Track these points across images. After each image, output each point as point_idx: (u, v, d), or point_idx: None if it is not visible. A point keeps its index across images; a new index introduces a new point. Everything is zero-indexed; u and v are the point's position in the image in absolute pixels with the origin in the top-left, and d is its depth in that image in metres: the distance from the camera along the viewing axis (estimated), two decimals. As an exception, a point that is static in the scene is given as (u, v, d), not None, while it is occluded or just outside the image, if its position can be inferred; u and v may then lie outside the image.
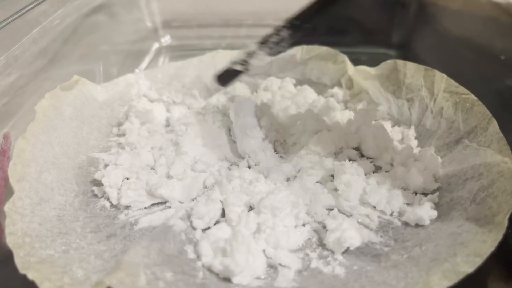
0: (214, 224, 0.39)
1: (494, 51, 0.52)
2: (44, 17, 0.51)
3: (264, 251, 0.36)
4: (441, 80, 0.47)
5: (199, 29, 0.76)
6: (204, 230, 0.38)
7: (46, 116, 0.44)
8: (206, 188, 0.44)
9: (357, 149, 0.47)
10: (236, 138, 0.48)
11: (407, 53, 0.68)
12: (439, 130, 0.45)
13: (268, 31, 0.74)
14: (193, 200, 0.42)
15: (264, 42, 0.42)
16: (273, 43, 0.41)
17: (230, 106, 0.51)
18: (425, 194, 0.41)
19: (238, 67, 0.43)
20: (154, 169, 0.44)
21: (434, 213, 0.38)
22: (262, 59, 0.42)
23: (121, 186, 0.42)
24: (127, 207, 0.41)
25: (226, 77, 0.45)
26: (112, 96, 0.55)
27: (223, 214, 0.40)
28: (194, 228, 0.38)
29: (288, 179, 0.43)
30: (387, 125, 0.49)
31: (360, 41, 0.70)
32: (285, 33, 0.41)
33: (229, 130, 0.51)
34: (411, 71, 0.50)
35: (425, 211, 0.37)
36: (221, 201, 0.40)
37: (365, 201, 0.40)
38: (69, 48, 0.56)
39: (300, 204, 0.39)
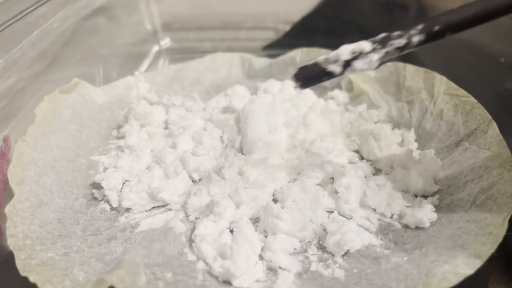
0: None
1: (493, 53, 0.52)
2: (44, 20, 0.51)
3: (264, 254, 0.36)
4: (441, 82, 0.47)
5: (198, 31, 0.76)
6: (204, 232, 0.38)
7: (46, 119, 0.44)
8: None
9: (357, 151, 0.47)
10: (243, 138, 0.48)
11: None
12: (439, 133, 0.46)
13: (267, 33, 0.74)
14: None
15: (384, 39, 0.33)
16: (395, 49, 0.33)
17: (244, 105, 0.50)
18: (425, 197, 0.41)
19: (330, 67, 0.34)
20: (151, 171, 0.44)
21: (434, 216, 0.38)
22: (369, 63, 0.33)
23: (121, 189, 0.42)
24: (127, 210, 0.41)
25: (308, 76, 0.36)
26: (112, 99, 0.55)
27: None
28: (193, 230, 0.38)
29: (288, 182, 0.43)
30: (387, 127, 0.49)
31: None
32: (415, 35, 0.32)
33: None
34: (411, 73, 0.50)
35: (425, 214, 0.37)
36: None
37: (365, 204, 0.40)
38: (68, 51, 0.56)
39: (300, 207, 0.40)
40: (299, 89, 0.33)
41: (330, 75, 0.34)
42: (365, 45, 0.33)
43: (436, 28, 0.31)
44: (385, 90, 0.52)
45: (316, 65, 0.35)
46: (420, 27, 0.32)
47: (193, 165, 0.45)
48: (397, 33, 0.32)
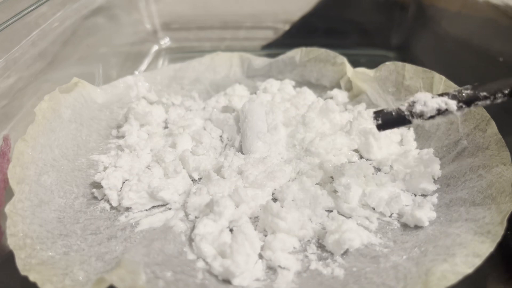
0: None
1: (492, 52, 0.52)
2: (44, 19, 0.51)
3: (263, 253, 0.36)
4: (440, 81, 0.47)
5: (198, 31, 0.76)
6: (203, 231, 0.38)
7: (45, 119, 0.44)
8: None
9: (357, 150, 0.47)
10: (242, 137, 0.48)
11: (406, 55, 0.69)
12: (438, 132, 0.46)
13: (267, 33, 0.74)
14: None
15: (471, 99, 0.34)
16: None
17: (244, 105, 0.50)
18: (424, 196, 0.41)
19: (413, 120, 0.35)
20: (151, 171, 0.44)
21: (433, 215, 0.38)
22: (451, 117, 0.35)
23: (121, 188, 0.42)
24: (127, 209, 0.41)
25: (390, 121, 0.36)
26: (111, 98, 0.55)
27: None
28: (193, 229, 0.38)
29: (287, 181, 0.43)
30: (386, 126, 0.49)
31: (359, 43, 0.71)
32: (499, 98, 0.34)
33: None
34: (409, 73, 0.50)
35: (424, 213, 0.37)
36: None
37: (364, 203, 0.40)
38: (68, 50, 0.56)
39: (299, 206, 0.40)
40: (376, 129, 0.37)
41: (409, 123, 0.36)
42: (452, 104, 0.34)
43: None
44: (384, 89, 0.52)
45: (400, 113, 0.36)
46: (507, 91, 0.33)
47: (193, 165, 0.45)
48: (484, 94, 0.34)
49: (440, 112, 0.34)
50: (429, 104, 0.35)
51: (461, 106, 0.34)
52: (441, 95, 0.35)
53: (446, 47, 0.61)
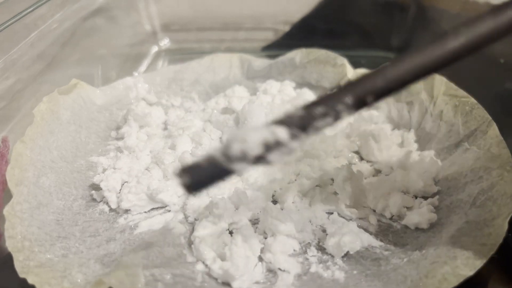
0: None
1: (493, 54, 0.52)
2: (42, 20, 0.51)
3: (263, 255, 0.36)
4: (441, 83, 0.47)
5: (198, 32, 0.76)
6: (203, 233, 0.38)
7: (44, 120, 0.44)
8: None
9: (357, 152, 0.47)
10: None
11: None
12: (438, 133, 0.45)
13: (267, 34, 0.74)
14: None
15: (305, 121, 0.25)
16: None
17: (244, 106, 0.50)
18: (425, 198, 0.41)
19: (233, 165, 0.25)
20: (151, 172, 0.44)
21: (434, 217, 0.38)
22: (289, 152, 0.24)
23: (120, 190, 0.42)
24: (126, 211, 0.41)
25: (203, 179, 0.25)
26: (111, 100, 0.55)
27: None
28: (192, 231, 0.38)
29: (288, 183, 0.43)
30: (387, 128, 0.49)
31: (360, 44, 0.70)
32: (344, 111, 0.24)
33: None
34: (410, 74, 0.50)
35: (425, 215, 0.37)
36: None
37: (364, 205, 0.40)
38: (67, 51, 0.55)
39: (299, 208, 0.40)
40: (187, 193, 0.26)
41: (233, 173, 0.25)
42: (280, 133, 0.24)
43: (368, 99, 0.25)
44: (384, 90, 0.52)
45: (213, 162, 0.25)
46: (350, 101, 0.25)
47: (192, 166, 0.45)
48: (320, 110, 0.25)
49: (269, 147, 0.24)
50: (251, 139, 0.24)
51: (294, 135, 0.25)
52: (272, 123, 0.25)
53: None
